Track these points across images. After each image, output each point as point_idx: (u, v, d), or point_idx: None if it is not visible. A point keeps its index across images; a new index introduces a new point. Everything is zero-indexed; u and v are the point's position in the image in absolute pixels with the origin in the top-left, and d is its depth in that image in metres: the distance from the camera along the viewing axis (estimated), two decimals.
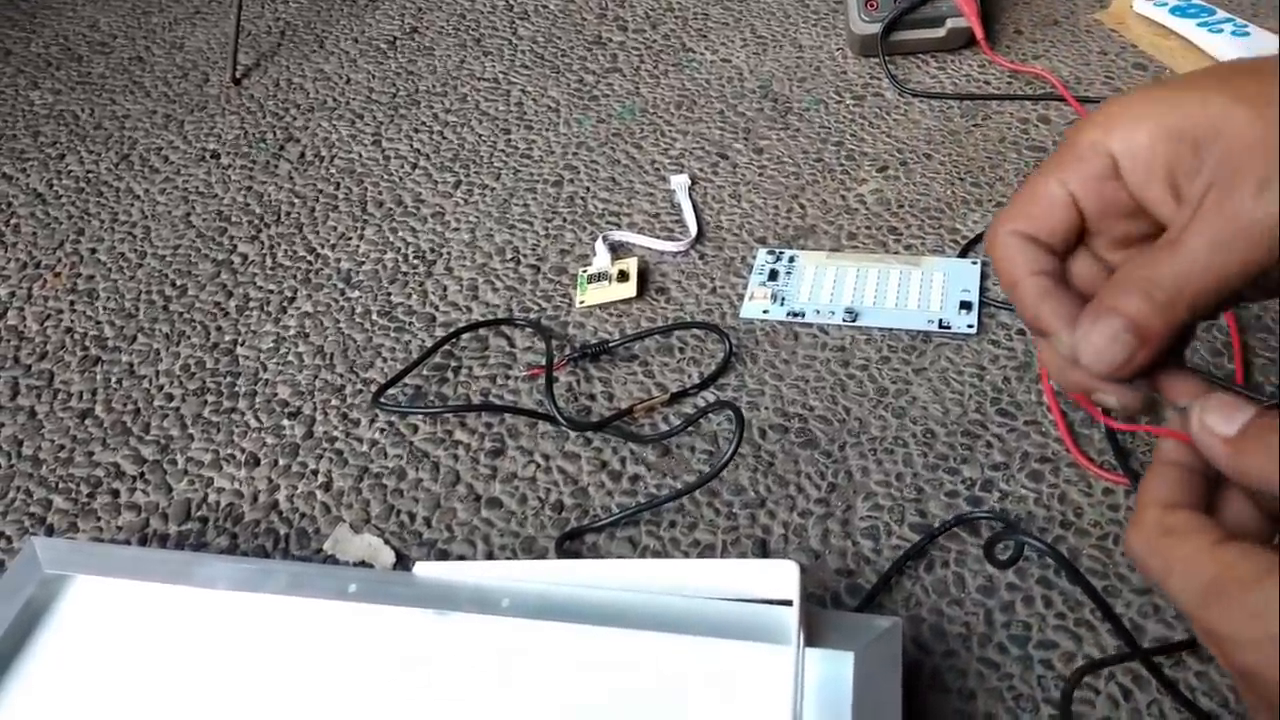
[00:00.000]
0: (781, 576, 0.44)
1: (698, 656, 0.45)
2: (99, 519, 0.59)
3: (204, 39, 1.05)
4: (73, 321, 0.73)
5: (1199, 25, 0.84)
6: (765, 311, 0.65)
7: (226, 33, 1.04)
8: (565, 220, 0.76)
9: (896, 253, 0.70)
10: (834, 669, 0.44)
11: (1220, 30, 0.83)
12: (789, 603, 0.44)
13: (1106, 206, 0.31)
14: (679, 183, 0.78)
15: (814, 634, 0.44)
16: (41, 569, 0.51)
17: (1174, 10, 0.86)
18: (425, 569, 0.49)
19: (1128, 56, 0.86)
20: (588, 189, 0.79)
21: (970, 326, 0.63)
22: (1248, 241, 0.27)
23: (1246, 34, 0.82)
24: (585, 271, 0.70)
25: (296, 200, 0.82)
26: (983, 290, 0.65)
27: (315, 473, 0.60)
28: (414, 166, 0.84)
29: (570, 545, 0.54)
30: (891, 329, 0.64)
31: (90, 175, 0.86)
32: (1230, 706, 0.45)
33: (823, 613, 0.46)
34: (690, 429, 0.59)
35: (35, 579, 0.50)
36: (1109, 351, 0.29)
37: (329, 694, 0.45)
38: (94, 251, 0.79)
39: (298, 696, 0.46)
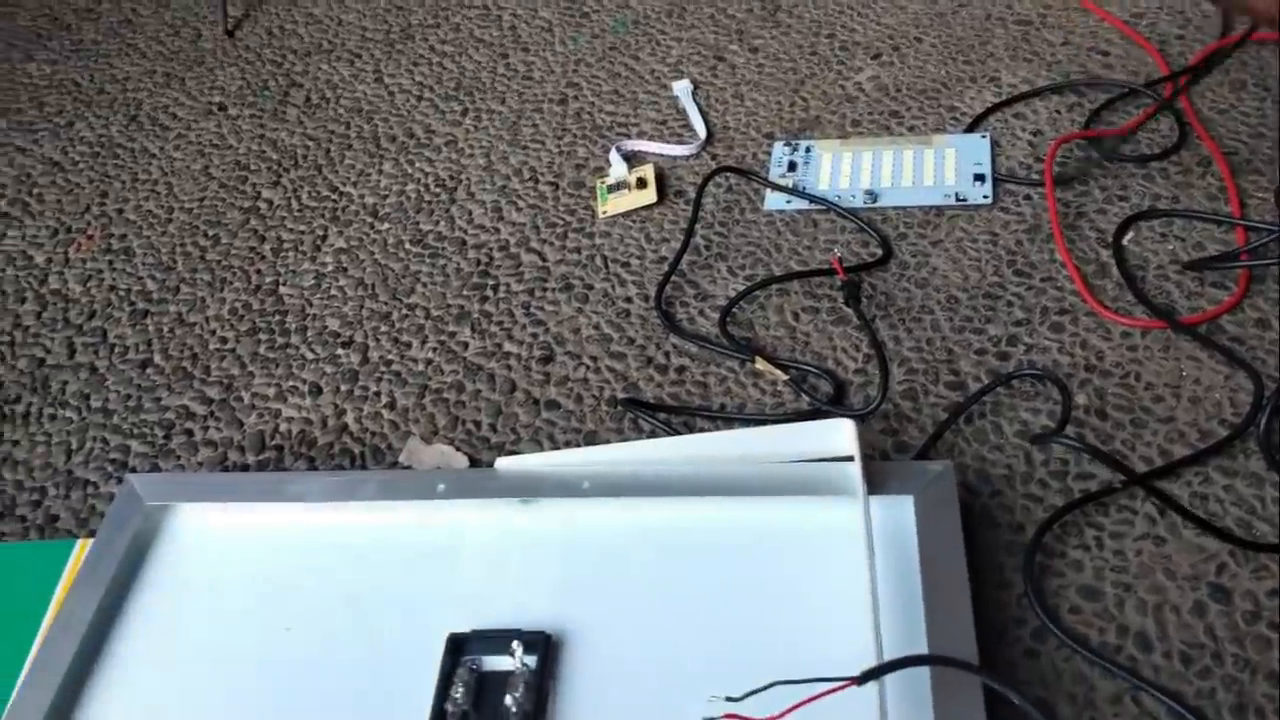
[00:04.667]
0: (839, 434, 0.48)
1: (772, 516, 0.49)
2: (178, 458, 0.62)
3: None
4: (114, 280, 0.75)
5: None
6: (788, 201, 0.68)
7: None
8: (576, 136, 0.79)
9: (901, 134, 0.72)
10: (897, 513, 0.48)
11: None
12: (850, 458, 0.48)
13: None
14: (681, 88, 0.80)
15: (874, 483, 0.48)
16: (143, 501, 0.54)
17: None
18: (507, 463, 0.52)
19: None
20: (593, 103, 0.82)
21: (985, 197, 0.66)
22: None
23: None
24: (604, 183, 0.73)
25: (310, 143, 0.83)
26: (993, 162, 0.68)
27: (378, 395, 0.63)
28: (419, 99, 0.86)
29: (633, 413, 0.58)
30: (908, 207, 0.67)
31: (103, 139, 0.88)
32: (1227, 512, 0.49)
33: (880, 464, 0.50)
34: (729, 318, 0.62)
35: (139, 512, 0.54)
36: None
37: (431, 590, 0.49)
38: (121, 212, 0.81)
39: (401, 595, 0.49)
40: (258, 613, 0.50)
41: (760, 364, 0.59)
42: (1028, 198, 0.66)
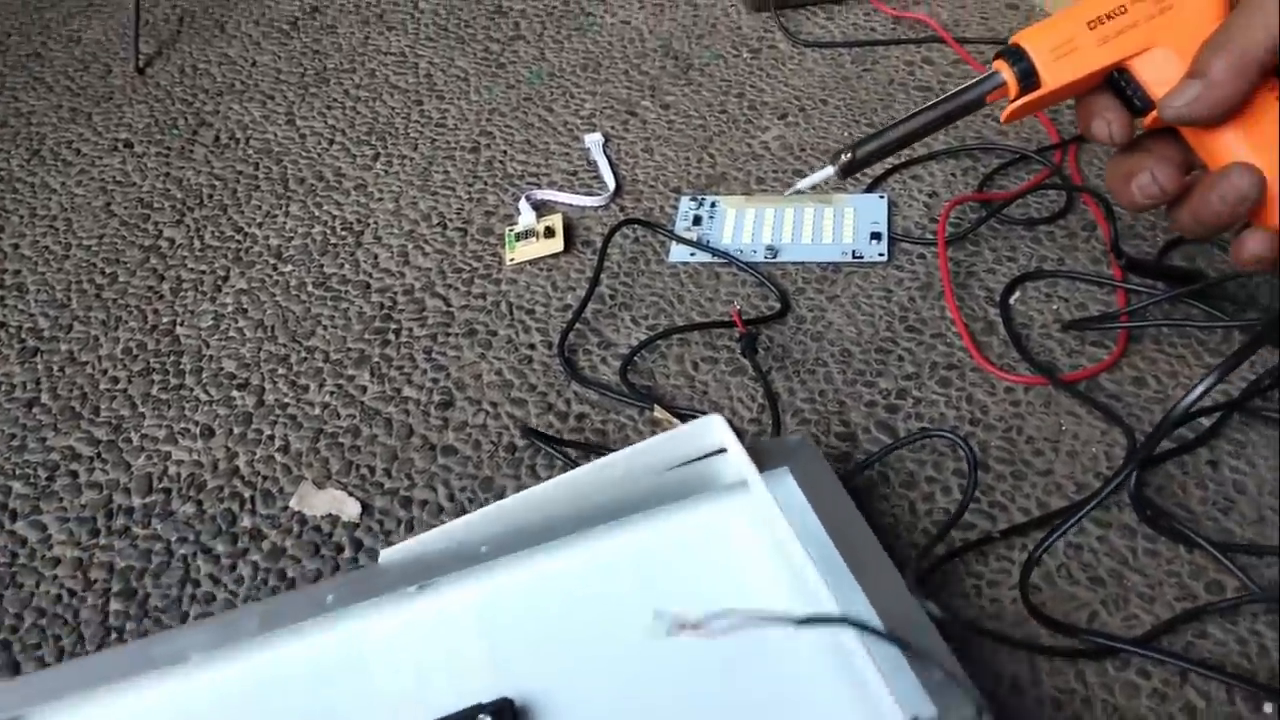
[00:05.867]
0: (711, 430, 0.49)
1: (674, 526, 0.50)
2: (61, 500, 0.60)
3: (101, 31, 1.04)
4: (4, 316, 0.73)
5: None
6: (692, 254, 0.69)
7: (124, 23, 1.04)
8: (486, 184, 0.79)
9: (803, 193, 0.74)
10: (783, 486, 0.49)
11: None
12: (723, 450, 0.49)
13: None
14: (593, 140, 0.81)
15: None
16: None
17: None
18: (391, 553, 0.49)
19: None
20: (505, 152, 0.82)
21: (881, 255, 0.68)
22: None
23: None
24: (512, 230, 0.74)
25: (217, 182, 0.83)
26: (890, 221, 0.70)
27: (271, 438, 0.62)
28: (330, 142, 0.86)
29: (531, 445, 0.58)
30: (806, 262, 0.68)
31: (2, 173, 0.86)
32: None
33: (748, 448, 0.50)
34: (630, 367, 0.63)
35: None
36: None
37: (358, 712, 0.45)
38: (17, 247, 0.79)
39: None
40: None
41: (659, 412, 0.60)
42: (921, 256, 0.68)
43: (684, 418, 0.59)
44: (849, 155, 0.48)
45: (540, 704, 0.44)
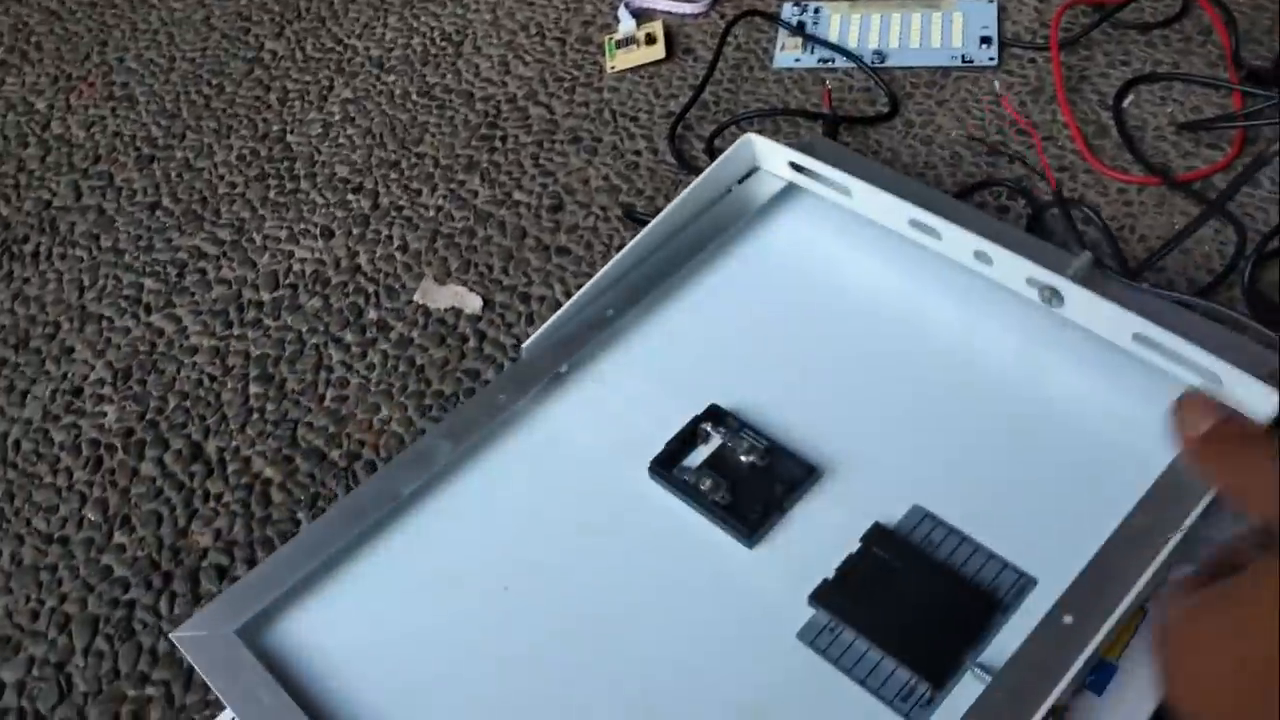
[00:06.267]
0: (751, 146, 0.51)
1: (763, 239, 0.52)
2: (193, 295, 0.63)
3: None
4: (118, 126, 0.75)
5: None
6: (797, 59, 0.69)
7: None
8: None
9: None
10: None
11: None
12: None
13: None
14: None
15: None
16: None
17: None
18: (531, 344, 0.51)
19: None
20: None
21: (991, 59, 0.67)
22: None
23: None
24: (612, 38, 0.73)
25: None
26: (1000, 25, 0.69)
27: (390, 238, 0.64)
28: None
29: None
30: (915, 67, 0.68)
31: None
32: None
33: None
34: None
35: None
36: None
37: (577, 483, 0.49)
38: (122, 60, 0.80)
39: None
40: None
41: None
42: (1033, 61, 0.67)
43: None
44: None
45: (737, 404, 0.48)
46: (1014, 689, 0.38)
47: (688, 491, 0.46)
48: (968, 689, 0.39)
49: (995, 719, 0.37)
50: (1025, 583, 0.41)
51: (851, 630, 0.41)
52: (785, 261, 0.54)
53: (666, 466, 0.46)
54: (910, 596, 0.42)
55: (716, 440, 0.47)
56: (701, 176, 0.54)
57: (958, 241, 0.49)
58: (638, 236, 0.53)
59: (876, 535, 0.43)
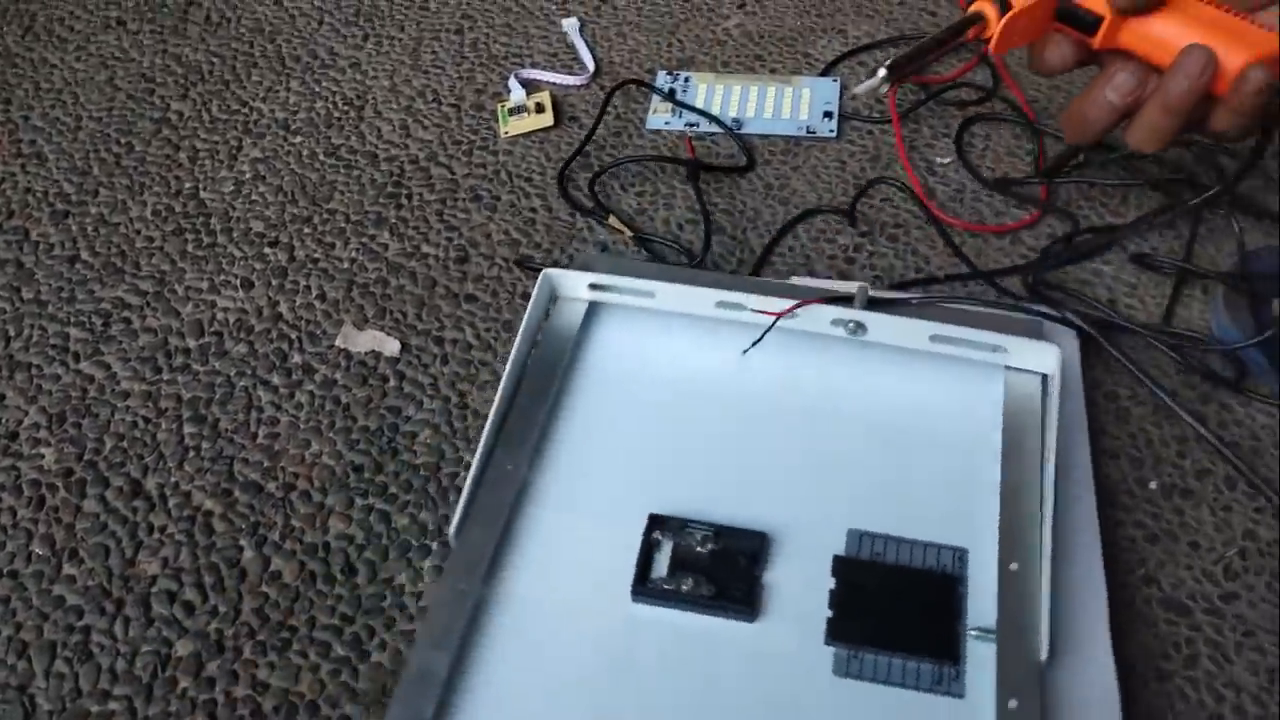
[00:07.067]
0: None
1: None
2: (120, 343, 0.68)
3: None
4: (29, 182, 0.78)
5: None
6: (667, 122, 0.79)
7: None
8: (473, 64, 0.86)
9: (765, 75, 0.84)
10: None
11: None
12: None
13: None
14: (570, 25, 0.89)
15: None
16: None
17: None
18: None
19: None
20: (487, 34, 0.89)
21: (831, 131, 0.78)
22: None
23: None
24: (505, 106, 0.81)
25: (215, 59, 0.88)
26: (841, 102, 0.80)
27: (308, 288, 0.70)
28: (320, 23, 0.91)
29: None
30: (768, 135, 0.78)
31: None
32: None
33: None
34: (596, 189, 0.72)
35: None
36: None
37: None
38: (27, 118, 0.83)
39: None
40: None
41: (613, 220, 0.71)
42: (869, 133, 0.78)
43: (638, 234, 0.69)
44: (889, 63, 0.54)
45: (667, 506, 0.54)
46: (1016, 629, 0.48)
47: (676, 598, 0.50)
48: (978, 651, 0.48)
49: (1025, 660, 0.47)
50: (961, 554, 0.52)
51: (870, 650, 0.49)
52: (625, 368, 0.61)
53: (645, 584, 0.51)
54: (893, 602, 0.50)
55: (668, 545, 0.52)
56: (523, 323, 0.60)
57: (764, 306, 0.59)
58: (497, 393, 0.57)
59: (841, 566, 0.52)
